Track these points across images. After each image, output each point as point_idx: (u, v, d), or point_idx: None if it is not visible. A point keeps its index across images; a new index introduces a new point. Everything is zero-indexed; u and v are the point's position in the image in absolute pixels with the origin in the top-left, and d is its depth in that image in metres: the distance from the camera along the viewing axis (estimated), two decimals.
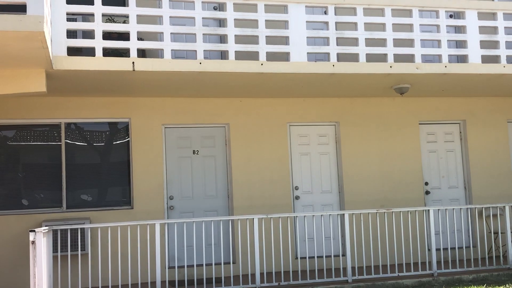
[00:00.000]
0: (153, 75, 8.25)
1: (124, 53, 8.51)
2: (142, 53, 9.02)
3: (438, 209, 9.42)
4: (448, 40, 9.23)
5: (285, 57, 8.74)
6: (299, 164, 10.47)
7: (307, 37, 8.73)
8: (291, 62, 8.62)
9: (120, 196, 9.60)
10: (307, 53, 8.70)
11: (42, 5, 6.22)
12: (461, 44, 9.63)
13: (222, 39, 9.65)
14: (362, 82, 9.41)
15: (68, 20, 7.86)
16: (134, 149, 9.59)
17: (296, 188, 10.40)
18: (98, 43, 7.82)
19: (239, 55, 8.68)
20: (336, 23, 8.93)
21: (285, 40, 8.81)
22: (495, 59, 9.47)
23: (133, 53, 7.99)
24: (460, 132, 11.20)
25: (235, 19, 8.53)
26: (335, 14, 9.02)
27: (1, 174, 9.15)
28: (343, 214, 8.97)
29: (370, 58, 9.01)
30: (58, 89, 8.69)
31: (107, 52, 8.28)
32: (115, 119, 9.59)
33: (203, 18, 8.41)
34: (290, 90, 9.72)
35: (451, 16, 10.21)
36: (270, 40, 9.00)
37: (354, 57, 9.00)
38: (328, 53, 8.80)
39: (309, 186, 10.48)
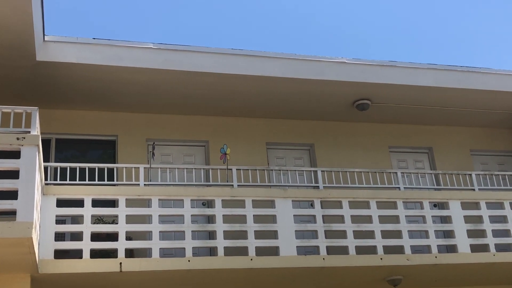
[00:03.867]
0: (140, 275, 8.08)
1: (112, 252, 8.41)
2: (130, 252, 8.92)
3: None
4: (435, 230, 9.31)
5: (274, 251, 8.69)
6: None
7: (295, 230, 8.78)
8: (281, 256, 8.57)
9: None
10: (297, 246, 8.67)
11: (32, 212, 6.29)
12: (448, 233, 9.70)
13: (211, 234, 9.63)
14: (354, 275, 9.26)
15: (57, 222, 7.87)
16: None
17: None
18: (86, 245, 7.77)
19: (228, 250, 8.60)
20: (323, 216, 9.06)
21: (274, 234, 8.82)
22: (485, 248, 9.45)
23: (121, 253, 7.92)
24: None
25: (223, 215, 8.63)
26: (322, 207, 9.17)
27: None
28: None
29: (360, 250, 8.96)
30: None
31: (94, 252, 8.18)
32: None
33: (192, 215, 8.51)
34: (282, 285, 9.46)
35: (435, 206, 10.41)
36: (259, 234, 8.98)
37: (343, 250, 8.95)
38: (318, 246, 8.78)
39: None
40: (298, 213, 9.02)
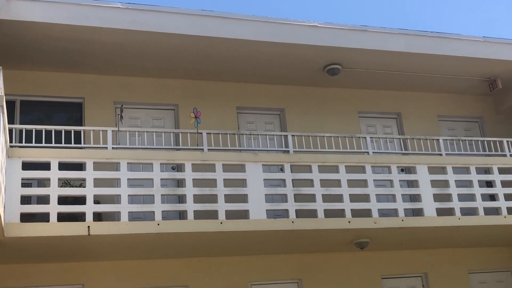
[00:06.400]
0: (109, 239, 8.03)
1: (80, 216, 8.30)
2: (98, 215, 8.82)
3: None
4: (402, 194, 9.45)
5: (244, 214, 8.70)
6: None
7: (265, 194, 8.80)
8: (250, 220, 8.59)
9: None
10: (266, 210, 8.71)
11: None
12: (415, 197, 9.86)
13: (181, 198, 9.60)
14: (322, 238, 9.38)
15: (23, 185, 7.71)
16: None
17: None
18: (53, 209, 7.65)
19: (198, 214, 8.59)
20: (293, 180, 9.09)
21: (244, 198, 8.82)
22: (450, 212, 9.65)
23: (89, 216, 7.83)
24: (423, 286, 10.97)
25: (193, 179, 8.58)
26: (291, 172, 9.19)
27: None
28: None
29: (329, 213, 9.06)
30: (9, 257, 8.28)
31: (62, 216, 8.07)
32: (68, 286, 9.07)
33: (161, 179, 8.44)
34: (251, 248, 9.57)
35: (402, 170, 10.54)
36: (229, 198, 8.97)
37: (312, 213, 9.03)
38: (287, 210, 8.83)
39: None
40: (268, 177, 9.03)
